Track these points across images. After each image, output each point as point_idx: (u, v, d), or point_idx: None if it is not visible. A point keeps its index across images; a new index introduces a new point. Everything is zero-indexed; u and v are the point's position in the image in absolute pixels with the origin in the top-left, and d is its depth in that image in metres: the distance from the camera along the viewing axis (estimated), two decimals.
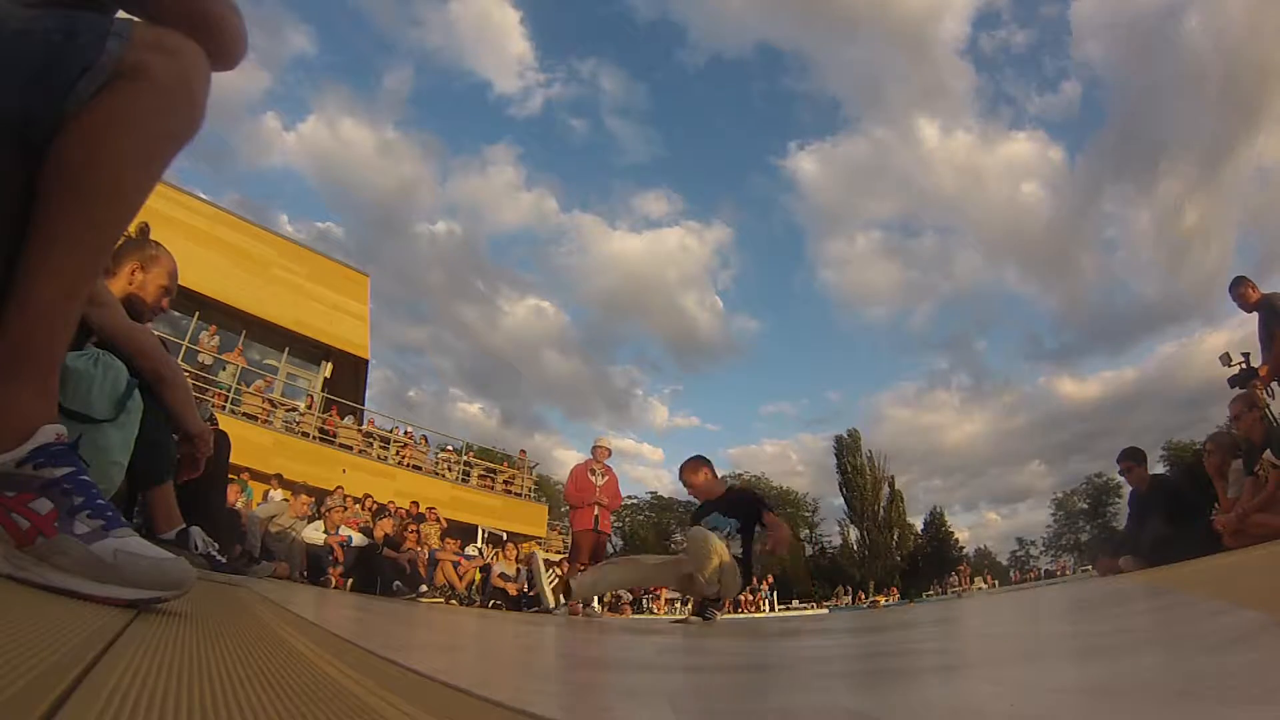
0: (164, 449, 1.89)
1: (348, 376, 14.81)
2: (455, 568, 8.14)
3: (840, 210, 66.78)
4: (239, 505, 6.15)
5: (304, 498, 7.09)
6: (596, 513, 6.04)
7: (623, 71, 68.04)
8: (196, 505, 2.37)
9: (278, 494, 7.67)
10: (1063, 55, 58.44)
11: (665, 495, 41.33)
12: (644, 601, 17.67)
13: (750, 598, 20.01)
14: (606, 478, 6.32)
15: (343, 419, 13.36)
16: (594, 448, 6.46)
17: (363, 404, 15.31)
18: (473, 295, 70.73)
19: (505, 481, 16.80)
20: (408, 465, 14.24)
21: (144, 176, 0.85)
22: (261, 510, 6.62)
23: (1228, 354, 4.97)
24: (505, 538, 13.23)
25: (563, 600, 4.77)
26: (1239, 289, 4.77)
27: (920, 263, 65.31)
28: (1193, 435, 29.96)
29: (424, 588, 7.10)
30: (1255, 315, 4.72)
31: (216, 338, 11.97)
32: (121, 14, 0.92)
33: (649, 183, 73.56)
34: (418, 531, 7.96)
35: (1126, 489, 4.97)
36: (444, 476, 15.03)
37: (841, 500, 39.65)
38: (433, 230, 70.60)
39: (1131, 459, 4.74)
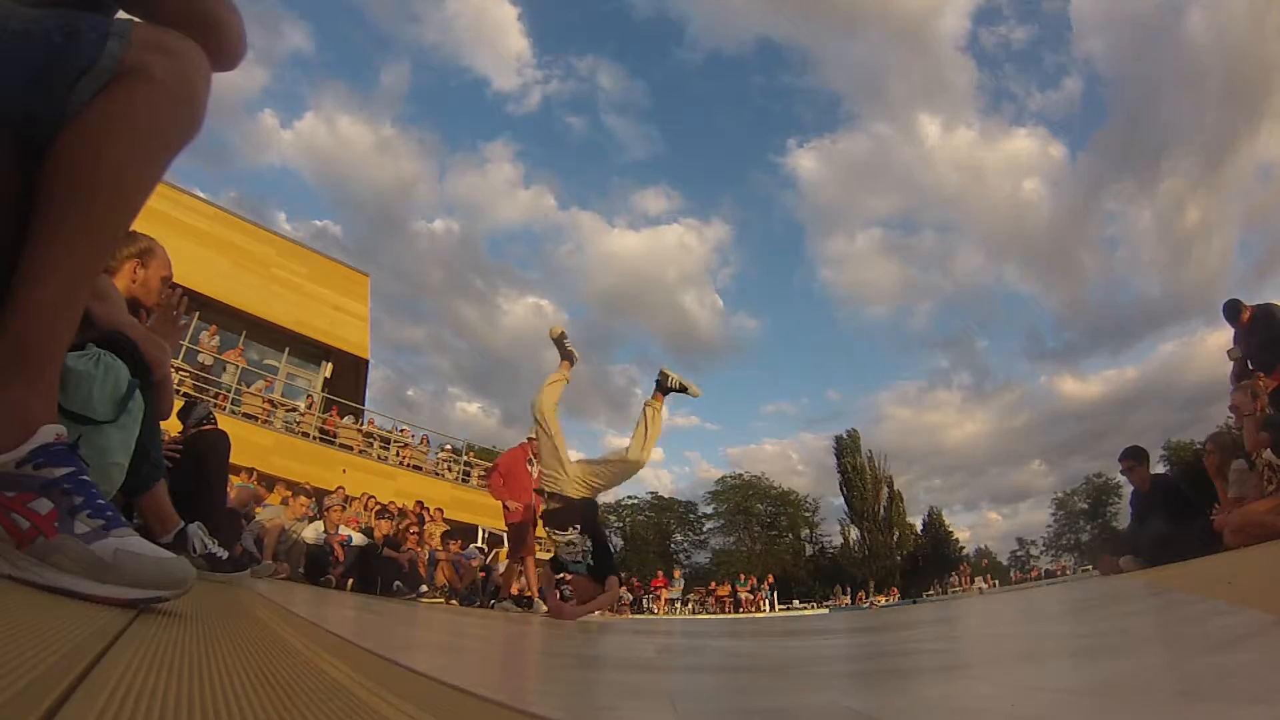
0: (151, 454, 1.86)
1: (348, 376, 14.80)
2: (456, 568, 8.14)
3: (840, 208, 66.27)
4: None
5: (303, 499, 7.08)
6: (533, 501, 5.99)
7: (621, 68, 67.40)
8: (196, 504, 2.37)
9: (279, 497, 7.66)
10: (1064, 51, 57.88)
11: (665, 495, 41.35)
12: (644, 601, 17.69)
13: (751, 598, 20.01)
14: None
15: (343, 419, 13.35)
16: (530, 439, 6.42)
17: (363, 404, 15.29)
18: (472, 294, 70.36)
19: None
20: (408, 465, 14.23)
21: (145, 176, 0.84)
22: (263, 512, 6.62)
23: (1236, 347, 5.02)
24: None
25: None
26: (1233, 308, 5.02)
27: (921, 261, 64.71)
28: (1193, 435, 29.91)
29: (424, 588, 7.10)
30: (1250, 324, 4.87)
31: (216, 338, 11.95)
32: (122, 14, 0.92)
33: (648, 180, 72.89)
34: (419, 531, 7.96)
35: (1126, 489, 4.99)
36: (444, 476, 15.02)
37: (841, 500, 39.60)
38: (431, 228, 70.14)
39: (1133, 458, 4.74)
